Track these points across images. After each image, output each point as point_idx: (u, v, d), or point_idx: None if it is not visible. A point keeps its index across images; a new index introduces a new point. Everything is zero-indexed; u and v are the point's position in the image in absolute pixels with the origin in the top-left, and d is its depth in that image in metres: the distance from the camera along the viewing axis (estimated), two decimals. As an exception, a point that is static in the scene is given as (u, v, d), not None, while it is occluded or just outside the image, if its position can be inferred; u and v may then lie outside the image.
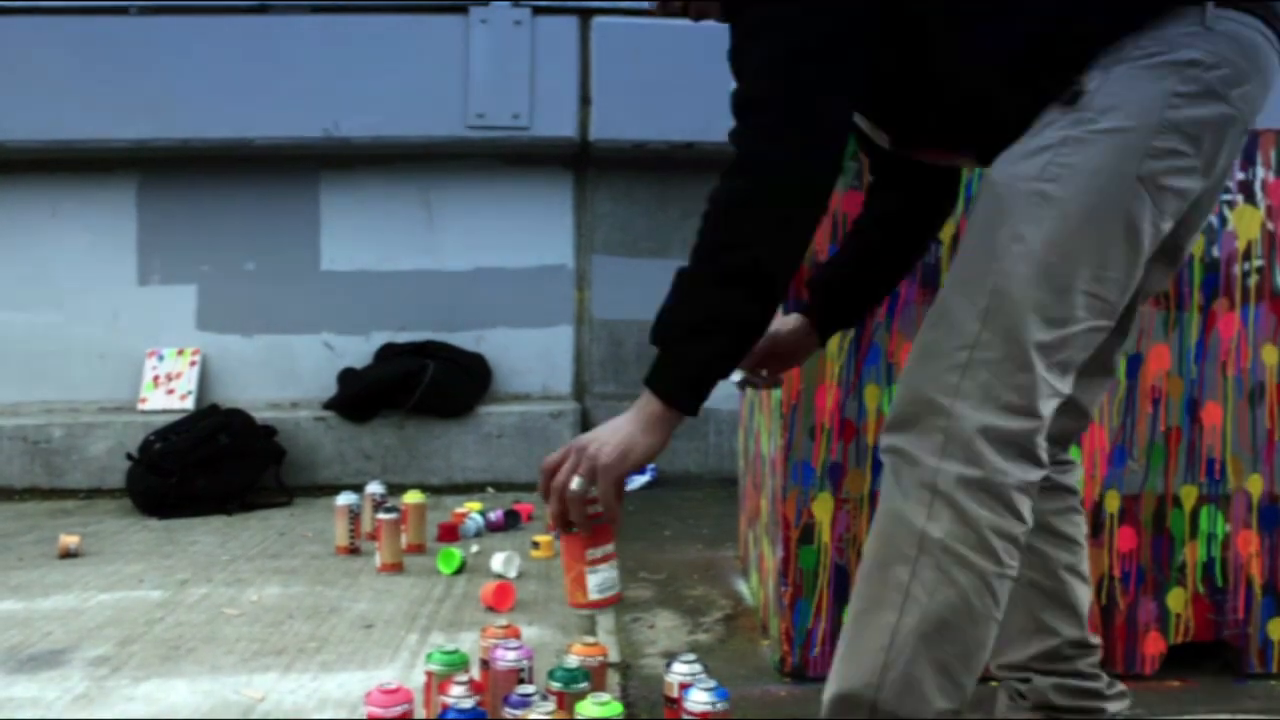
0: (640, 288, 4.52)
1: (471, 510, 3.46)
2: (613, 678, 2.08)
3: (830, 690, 1.43)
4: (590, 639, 2.03)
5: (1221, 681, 2.18)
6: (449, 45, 4.28)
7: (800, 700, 2.10)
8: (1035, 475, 1.39)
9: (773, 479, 2.29)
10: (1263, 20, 1.41)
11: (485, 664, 1.92)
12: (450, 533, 3.29)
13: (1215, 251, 2.20)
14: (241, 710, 2.00)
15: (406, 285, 4.48)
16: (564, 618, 2.54)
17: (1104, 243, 1.38)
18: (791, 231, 1.35)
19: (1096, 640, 1.75)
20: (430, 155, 4.40)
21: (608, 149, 4.39)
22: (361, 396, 4.21)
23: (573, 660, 1.88)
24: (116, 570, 2.96)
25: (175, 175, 4.38)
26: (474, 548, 3.15)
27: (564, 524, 1.39)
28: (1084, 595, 1.73)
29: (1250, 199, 2.19)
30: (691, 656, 1.84)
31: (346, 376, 4.32)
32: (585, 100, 4.37)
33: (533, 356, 4.52)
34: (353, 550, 3.13)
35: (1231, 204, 2.19)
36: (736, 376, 1.79)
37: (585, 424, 4.44)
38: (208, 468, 3.76)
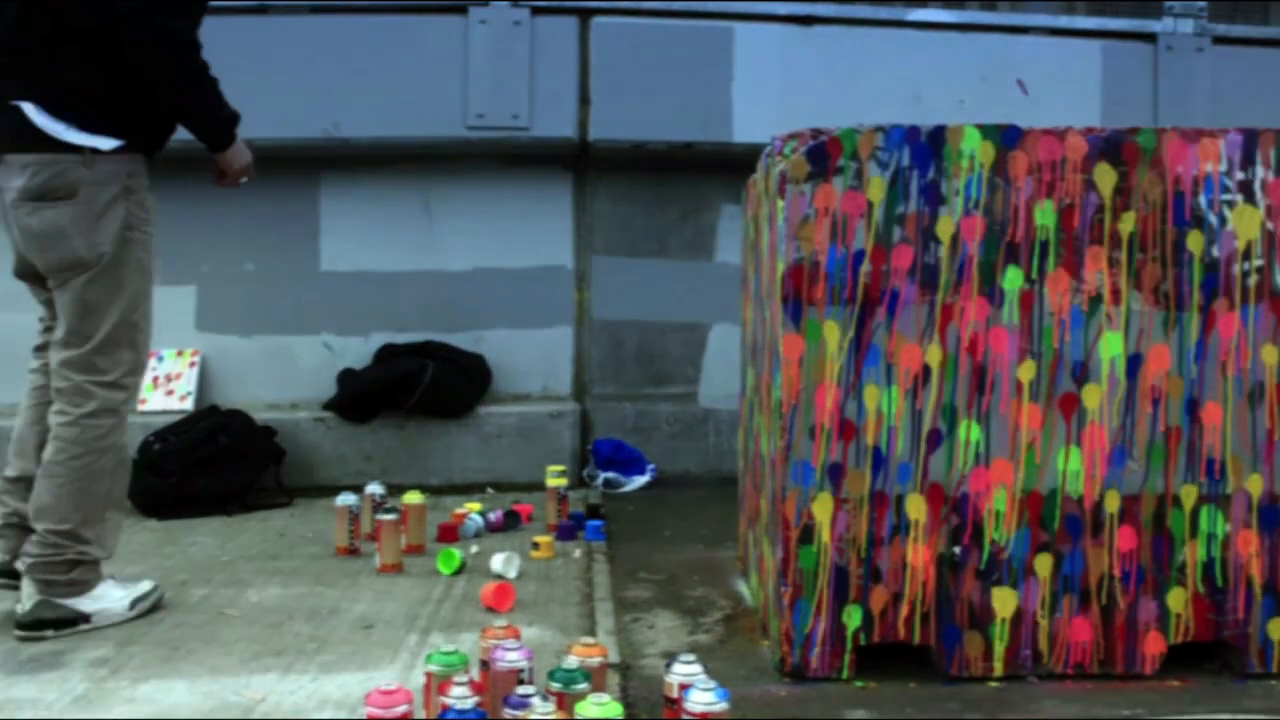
0: (640, 288, 4.53)
1: (471, 511, 3.46)
2: (612, 678, 2.08)
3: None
4: (590, 640, 2.03)
5: (1221, 681, 2.19)
6: (449, 45, 4.28)
7: (800, 700, 2.10)
8: None
9: (773, 479, 2.29)
10: None
11: (485, 665, 1.92)
12: (450, 533, 3.29)
13: (1215, 251, 2.20)
14: (241, 711, 2.00)
15: (406, 286, 4.47)
16: (564, 619, 2.54)
17: None
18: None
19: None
20: (430, 156, 4.40)
21: (607, 149, 4.39)
22: (361, 397, 4.20)
23: (572, 661, 1.88)
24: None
25: (174, 175, 4.37)
26: (474, 548, 3.15)
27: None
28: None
29: (1250, 199, 2.19)
30: (691, 657, 1.84)
31: (346, 377, 4.31)
32: (585, 100, 4.37)
33: (532, 357, 4.51)
34: (352, 551, 3.13)
35: (1231, 204, 2.19)
36: None
37: (585, 424, 4.44)
38: (207, 468, 3.76)
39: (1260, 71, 4.60)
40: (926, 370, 2.19)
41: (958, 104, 4.29)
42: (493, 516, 3.45)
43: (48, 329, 2.64)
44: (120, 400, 2.48)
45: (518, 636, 1.95)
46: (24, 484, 2.51)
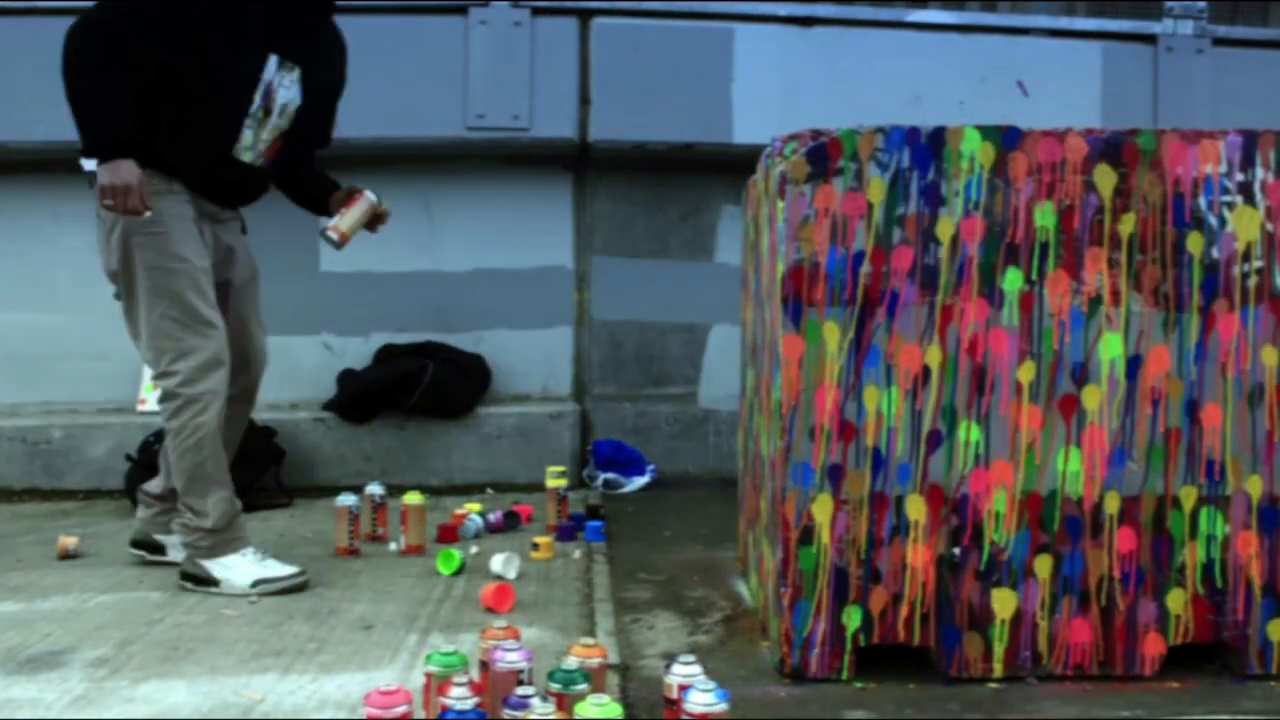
0: (640, 288, 4.54)
1: (471, 511, 3.46)
2: (612, 679, 2.08)
3: None
4: (590, 640, 2.03)
5: (1221, 683, 2.19)
6: (449, 46, 4.28)
7: (800, 701, 2.10)
8: None
9: (772, 480, 2.29)
10: None
11: (485, 665, 1.92)
12: (450, 534, 3.29)
13: (1215, 253, 2.20)
14: (241, 711, 2.00)
15: (406, 286, 4.48)
16: (563, 619, 2.54)
17: None
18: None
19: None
20: (430, 156, 4.40)
21: (607, 150, 4.39)
22: (361, 397, 4.20)
23: (572, 661, 1.88)
24: (116, 571, 2.96)
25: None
26: (473, 549, 3.15)
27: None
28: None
29: (1250, 200, 2.20)
30: (691, 658, 1.84)
31: (346, 377, 4.31)
32: (585, 101, 4.37)
33: (532, 357, 4.52)
34: (352, 551, 3.13)
35: (1231, 205, 2.19)
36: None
37: (585, 425, 4.45)
38: (207, 468, 3.76)
39: (1260, 73, 4.60)
40: (926, 371, 2.19)
41: (958, 105, 4.29)
42: (492, 517, 3.45)
43: None
44: (174, 384, 2.70)
45: (517, 637, 1.95)
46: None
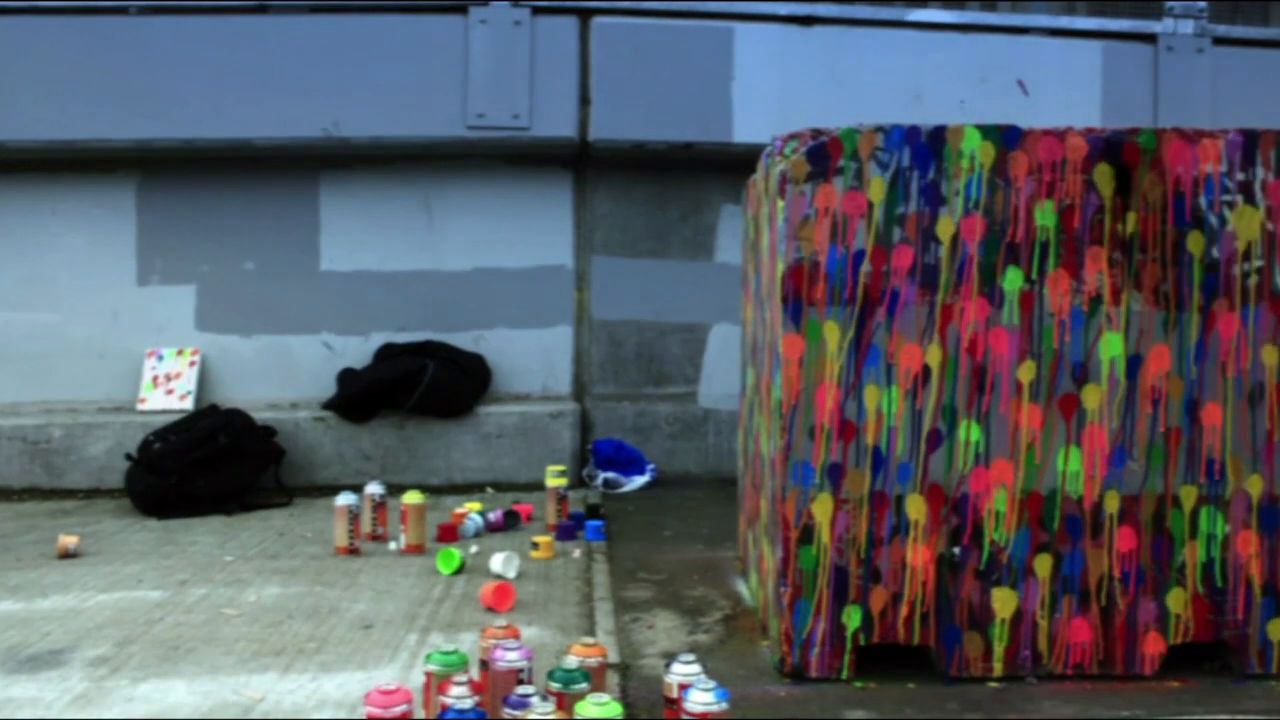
0: (640, 288, 4.54)
1: (471, 510, 3.46)
2: (612, 678, 2.08)
3: None
4: (590, 639, 2.03)
5: (1221, 682, 2.18)
6: (449, 45, 4.28)
7: (800, 700, 2.10)
8: None
9: (772, 479, 2.29)
10: None
11: (485, 664, 1.92)
12: (450, 533, 3.29)
13: (1215, 252, 2.20)
14: (241, 710, 2.00)
15: (406, 285, 4.48)
16: (563, 618, 2.54)
17: None
18: None
19: None
20: (430, 155, 4.40)
21: (607, 149, 4.39)
22: (361, 396, 4.20)
23: (572, 661, 1.88)
24: (115, 570, 2.96)
25: (175, 175, 4.39)
26: (473, 548, 3.15)
27: None
28: None
29: (1250, 200, 2.19)
30: (691, 657, 1.84)
31: (346, 376, 4.31)
32: (585, 100, 4.37)
33: (532, 356, 4.52)
34: (352, 550, 3.13)
35: (1231, 205, 2.19)
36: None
37: (585, 424, 4.45)
38: (207, 468, 3.76)
39: (1260, 72, 4.60)
40: (926, 370, 2.18)
41: (958, 104, 4.29)
42: (492, 516, 3.45)
43: None
44: None
45: (517, 636, 1.95)
46: None
